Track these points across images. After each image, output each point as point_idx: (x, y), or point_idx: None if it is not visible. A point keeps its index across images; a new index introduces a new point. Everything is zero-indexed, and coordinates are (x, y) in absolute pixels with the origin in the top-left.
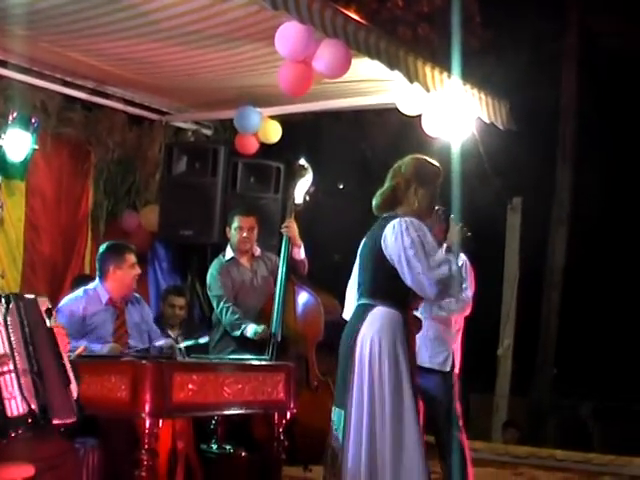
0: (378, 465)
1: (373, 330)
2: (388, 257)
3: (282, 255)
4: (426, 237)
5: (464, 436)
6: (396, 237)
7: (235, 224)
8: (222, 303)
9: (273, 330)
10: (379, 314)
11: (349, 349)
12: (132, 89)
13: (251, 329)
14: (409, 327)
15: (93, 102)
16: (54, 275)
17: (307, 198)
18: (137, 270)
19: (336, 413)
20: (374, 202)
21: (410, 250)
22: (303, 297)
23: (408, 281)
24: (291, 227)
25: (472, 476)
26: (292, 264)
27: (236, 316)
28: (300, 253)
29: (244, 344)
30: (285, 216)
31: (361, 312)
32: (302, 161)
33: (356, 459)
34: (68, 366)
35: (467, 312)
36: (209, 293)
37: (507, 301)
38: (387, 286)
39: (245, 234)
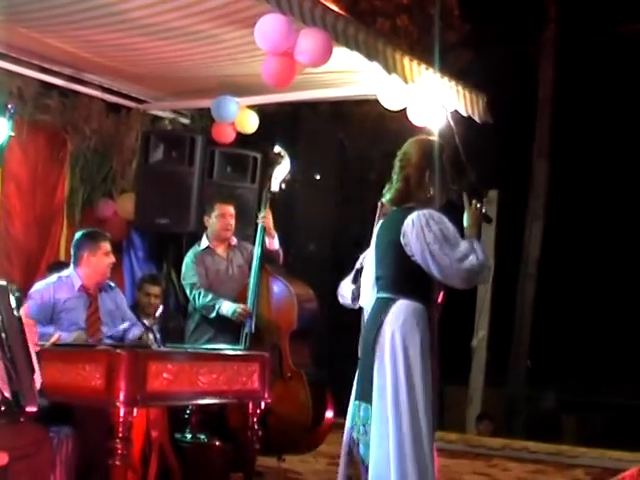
0: (401, 461)
1: (397, 324)
2: (410, 254)
3: (257, 245)
4: (448, 229)
5: None
6: (417, 234)
7: (216, 212)
8: (194, 290)
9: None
10: (403, 308)
11: (372, 343)
12: (110, 76)
13: (228, 307)
14: (433, 319)
15: (70, 89)
16: (28, 262)
17: (283, 186)
18: (111, 258)
19: (363, 408)
20: (387, 197)
21: (434, 245)
22: (277, 287)
23: (436, 275)
24: (267, 218)
25: (438, 465)
26: (267, 254)
27: (209, 297)
28: (274, 243)
29: (220, 331)
30: (261, 206)
31: (383, 306)
32: (278, 148)
33: (382, 455)
34: (33, 356)
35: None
36: (183, 282)
37: (482, 293)
38: (410, 280)
39: (227, 221)
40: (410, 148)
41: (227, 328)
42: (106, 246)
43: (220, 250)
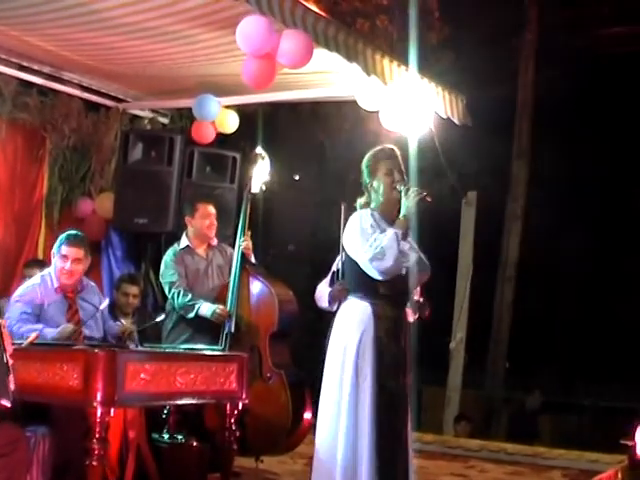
0: (344, 451)
1: (337, 322)
2: (347, 252)
3: (236, 251)
4: (365, 223)
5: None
6: (347, 233)
7: (199, 212)
8: (173, 288)
9: (229, 309)
10: (348, 306)
11: (326, 343)
12: (89, 75)
13: (207, 308)
14: (385, 316)
15: (49, 87)
16: (7, 261)
17: (263, 187)
18: (69, 264)
19: None
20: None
21: (354, 241)
22: (257, 288)
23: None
24: (249, 244)
25: (414, 466)
26: None
27: (188, 297)
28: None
29: (198, 330)
30: (241, 206)
31: (341, 305)
32: (259, 149)
33: (329, 446)
34: (10, 361)
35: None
36: (161, 280)
37: (460, 294)
38: (355, 279)
39: (211, 220)
40: (363, 162)
41: (205, 328)
42: (73, 252)
43: (200, 250)
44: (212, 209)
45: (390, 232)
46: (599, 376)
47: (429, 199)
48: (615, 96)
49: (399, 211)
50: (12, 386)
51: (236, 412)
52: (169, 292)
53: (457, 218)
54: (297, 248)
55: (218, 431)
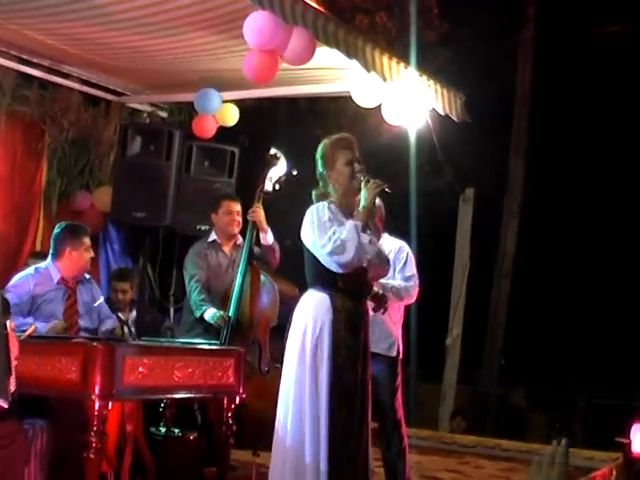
0: (303, 446)
1: (299, 314)
2: (305, 245)
3: (247, 240)
4: (323, 216)
5: (404, 427)
6: (304, 226)
7: (223, 208)
8: (192, 281)
9: (231, 313)
10: (307, 298)
11: (286, 334)
12: (89, 69)
13: (210, 313)
14: (345, 308)
15: (49, 81)
16: (7, 252)
17: (277, 187)
18: (91, 253)
19: None
20: (314, 201)
21: (312, 234)
22: (262, 283)
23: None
24: (257, 212)
25: (409, 461)
26: (261, 251)
27: (202, 297)
28: (268, 238)
29: (207, 330)
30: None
31: (299, 298)
32: (274, 150)
33: (283, 438)
34: (14, 363)
35: (413, 299)
36: (184, 271)
37: (457, 291)
38: (313, 271)
39: (233, 217)
40: (317, 152)
41: (214, 326)
42: (87, 241)
43: (226, 248)
44: (237, 207)
45: (350, 224)
46: (596, 373)
47: (389, 190)
48: (613, 93)
49: (358, 203)
50: (12, 387)
51: (233, 406)
52: (188, 284)
53: (454, 215)
54: (294, 243)
55: (215, 425)
